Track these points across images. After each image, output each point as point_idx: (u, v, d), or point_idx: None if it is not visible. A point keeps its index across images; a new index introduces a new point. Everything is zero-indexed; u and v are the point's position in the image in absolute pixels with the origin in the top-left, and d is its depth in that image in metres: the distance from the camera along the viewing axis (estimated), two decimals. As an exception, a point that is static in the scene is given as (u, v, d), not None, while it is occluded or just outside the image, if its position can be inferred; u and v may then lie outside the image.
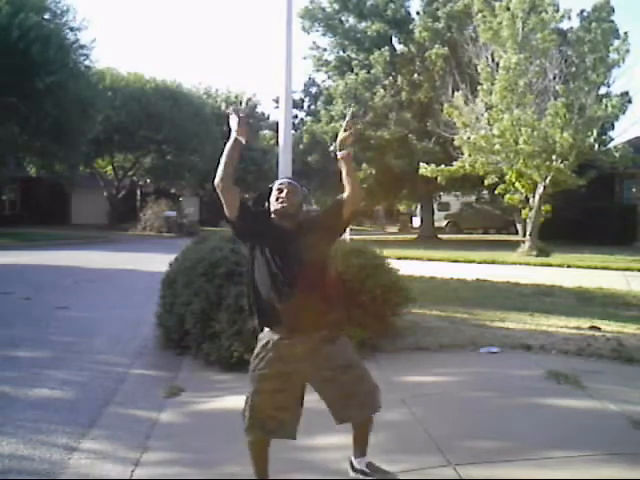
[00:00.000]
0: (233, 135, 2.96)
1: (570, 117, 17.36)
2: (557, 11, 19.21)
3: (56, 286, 10.98)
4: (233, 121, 2.96)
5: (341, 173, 3.11)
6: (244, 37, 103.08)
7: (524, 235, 20.66)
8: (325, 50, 31.01)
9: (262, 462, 3.03)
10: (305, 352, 2.92)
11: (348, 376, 2.95)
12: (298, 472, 3.38)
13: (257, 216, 3.07)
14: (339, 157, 3.05)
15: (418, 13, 28.04)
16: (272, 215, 3.05)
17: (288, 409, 2.95)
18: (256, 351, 3.00)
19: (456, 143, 19.74)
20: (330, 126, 26.52)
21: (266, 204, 3.07)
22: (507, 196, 19.69)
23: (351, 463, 3.14)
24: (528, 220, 19.48)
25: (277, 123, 8.58)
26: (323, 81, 31.96)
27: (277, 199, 3.02)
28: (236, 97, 43.20)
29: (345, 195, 3.08)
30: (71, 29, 24.80)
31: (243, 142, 2.96)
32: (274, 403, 2.91)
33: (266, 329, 2.99)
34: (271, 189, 3.08)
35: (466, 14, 23.43)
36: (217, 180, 2.95)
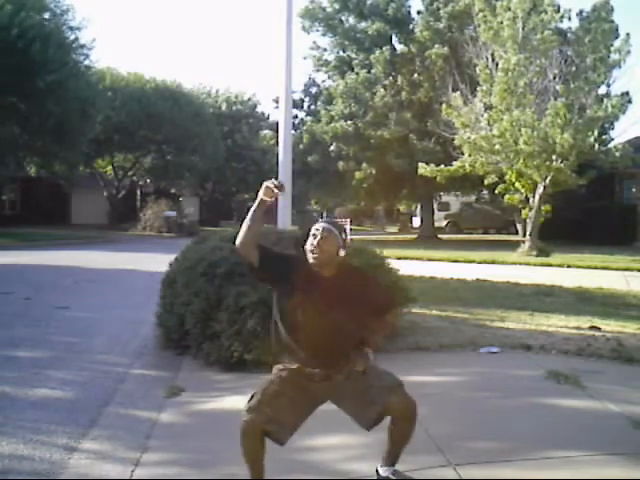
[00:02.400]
0: (259, 196, 2.91)
1: (570, 117, 17.36)
2: (557, 11, 19.22)
3: (56, 286, 10.98)
4: (264, 188, 2.90)
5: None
6: (244, 37, 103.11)
7: (524, 235, 20.66)
8: (325, 50, 31.05)
9: (254, 457, 2.94)
10: (322, 377, 2.97)
11: (357, 381, 2.95)
12: (298, 472, 3.37)
13: (284, 261, 3.02)
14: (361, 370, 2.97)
15: (419, 12, 28.05)
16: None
17: (293, 409, 2.91)
18: (277, 366, 3.02)
19: (456, 143, 19.75)
20: (330, 126, 26.53)
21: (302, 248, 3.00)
22: (507, 196, 19.70)
23: (377, 471, 3.12)
24: (528, 220, 19.48)
25: (277, 123, 8.58)
26: (323, 81, 32.02)
27: (310, 246, 2.94)
28: (236, 97, 43.23)
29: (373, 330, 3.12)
30: (71, 28, 24.83)
31: (269, 201, 2.91)
32: (285, 395, 2.89)
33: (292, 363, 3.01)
34: (309, 232, 2.99)
35: (467, 14, 23.43)
36: (238, 243, 2.90)
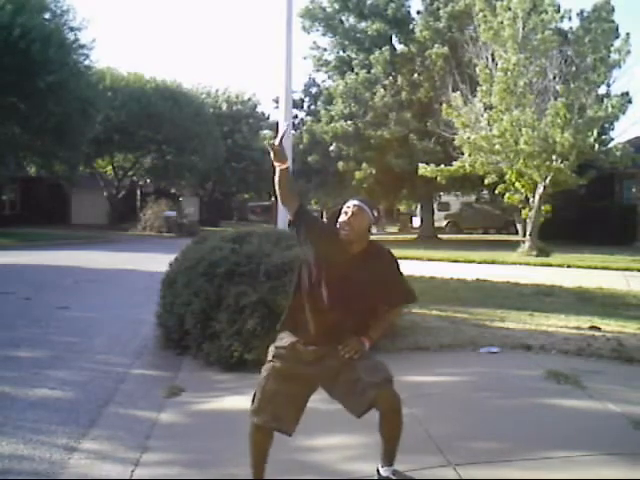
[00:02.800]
0: (275, 166, 3.04)
1: (570, 117, 17.35)
2: (557, 11, 19.22)
3: (56, 286, 10.98)
4: (272, 154, 3.03)
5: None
6: (244, 37, 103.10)
7: (524, 235, 20.65)
8: (325, 50, 31.03)
9: (260, 455, 3.00)
10: (317, 357, 2.98)
11: (349, 371, 2.97)
12: (298, 472, 3.37)
13: (320, 228, 3.07)
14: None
15: (418, 12, 28.04)
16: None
17: (293, 401, 2.97)
18: (273, 346, 3.06)
19: (456, 143, 19.75)
20: (330, 126, 26.53)
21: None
22: (507, 196, 19.68)
23: (378, 471, 3.13)
24: (528, 220, 19.48)
25: (277, 123, 8.58)
26: (323, 81, 32.00)
27: (341, 223, 2.99)
28: (237, 97, 43.24)
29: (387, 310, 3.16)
30: (71, 29, 24.84)
31: (284, 167, 3.02)
32: (282, 391, 2.94)
33: (287, 332, 3.05)
34: (341, 208, 3.05)
35: (467, 14, 23.43)
36: (280, 199, 3.08)
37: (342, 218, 2.99)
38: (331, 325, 2.96)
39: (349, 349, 2.94)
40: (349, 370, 2.95)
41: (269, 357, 3.05)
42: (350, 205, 3.01)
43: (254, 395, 2.98)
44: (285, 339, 3.05)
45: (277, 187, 3.06)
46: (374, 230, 3.11)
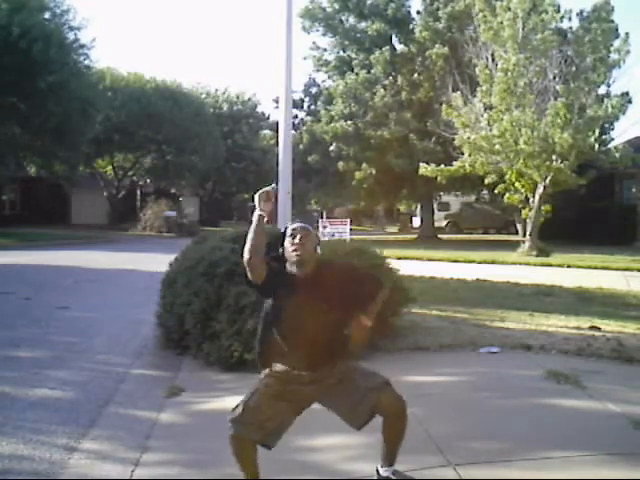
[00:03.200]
0: (257, 212, 2.91)
1: (570, 117, 17.35)
2: (557, 11, 19.21)
3: (56, 286, 10.98)
4: (258, 199, 2.92)
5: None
6: (244, 37, 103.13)
7: (524, 235, 20.65)
8: (325, 50, 31.04)
9: (248, 463, 2.98)
10: (312, 379, 2.97)
11: (346, 383, 2.97)
12: (298, 472, 3.37)
13: (276, 271, 2.99)
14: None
15: (418, 12, 28.04)
16: (286, 262, 3.00)
17: (279, 418, 2.93)
18: (268, 370, 3.03)
19: (456, 143, 19.75)
20: (330, 126, 26.53)
21: (280, 249, 3.01)
22: (507, 196, 19.68)
23: (377, 471, 3.13)
24: (528, 220, 19.48)
25: (277, 123, 8.58)
26: (323, 81, 32.01)
27: (291, 246, 2.95)
28: (237, 97, 43.23)
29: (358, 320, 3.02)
30: (71, 28, 24.82)
31: (266, 213, 2.91)
32: (268, 408, 2.90)
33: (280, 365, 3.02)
34: (284, 233, 3.01)
35: (466, 14, 23.44)
36: (246, 256, 2.87)
37: (290, 241, 2.96)
38: (313, 347, 2.92)
39: (357, 336, 2.92)
40: (346, 382, 2.96)
41: (262, 375, 3.02)
42: (295, 228, 2.98)
43: (237, 405, 2.93)
44: (278, 367, 3.01)
45: (252, 239, 2.86)
46: (374, 230, 3.10)
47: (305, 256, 2.93)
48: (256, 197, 2.91)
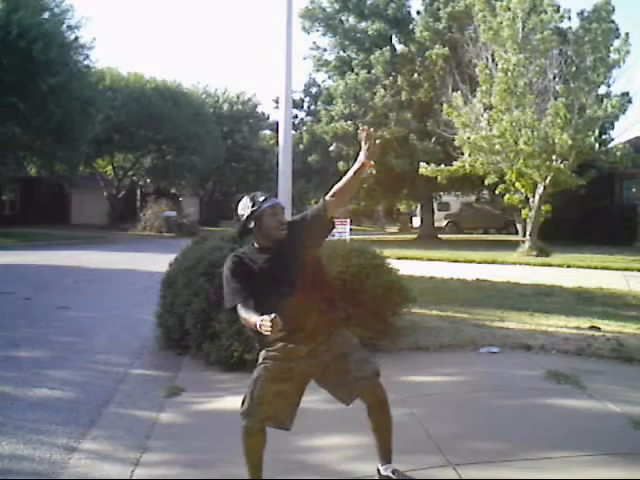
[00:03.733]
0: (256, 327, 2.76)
1: (570, 117, 17.35)
2: (557, 11, 19.20)
3: (56, 286, 10.98)
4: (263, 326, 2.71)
5: (347, 171, 3.09)
6: (244, 37, 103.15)
7: (524, 235, 20.64)
8: (325, 50, 31.05)
9: (255, 458, 3.01)
10: (306, 352, 2.99)
11: (339, 363, 3.00)
12: (298, 472, 3.37)
13: (243, 269, 3.01)
14: (365, 162, 2.97)
15: (418, 13, 28.04)
16: (259, 240, 3.04)
17: (286, 399, 2.97)
18: (264, 351, 3.05)
19: (456, 143, 19.74)
20: (330, 126, 26.53)
21: (251, 225, 3.03)
22: (507, 196, 19.67)
23: (378, 470, 3.14)
24: (528, 220, 19.47)
25: (277, 123, 8.57)
26: (323, 81, 32.03)
27: (277, 223, 3.00)
28: (237, 97, 43.24)
29: (334, 193, 3.04)
30: (70, 28, 24.83)
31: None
32: (274, 391, 2.94)
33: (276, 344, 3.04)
34: (255, 210, 2.99)
35: (467, 14, 23.44)
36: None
37: (274, 219, 3.00)
38: (301, 311, 2.93)
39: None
40: (340, 361, 3.00)
41: (259, 360, 3.05)
42: (276, 205, 3.04)
43: (244, 398, 2.97)
44: (274, 344, 3.04)
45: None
46: (373, 230, 3.11)
47: (286, 231, 3.02)
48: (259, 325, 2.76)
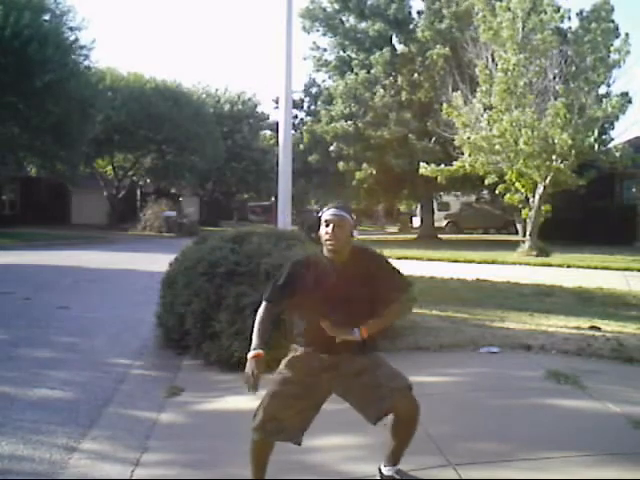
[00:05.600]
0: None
1: (570, 117, 17.34)
2: (557, 11, 19.19)
3: (56, 286, 10.98)
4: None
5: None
6: (245, 37, 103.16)
7: (524, 235, 20.64)
8: (325, 50, 31.05)
9: (261, 464, 3.00)
10: (330, 364, 2.96)
11: (367, 377, 2.94)
12: (298, 472, 3.37)
13: (294, 280, 2.99)
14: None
15: (419, 13, 28.03)
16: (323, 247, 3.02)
17: (301, 415, 2.93)
18: (286, 359, 3.03)
19: (456, 143, 19.74)
20: (330, 126, 26.53)
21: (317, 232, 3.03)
22: (507, 196, 19.67)
23: (379, 470, 3.12)
24: (528, 220, 19.47)
25: (277, 123, 8.57)
26: (323, 81, 32.04)
27: (325, 235, 2.96)
28: (238, 97, 43.22)
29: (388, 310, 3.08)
30: (71, 29, 24.82)
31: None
32: (289, 407, 2.90)
33: (298, 345, 3.04)
34: (320, 218, 3.01)
35: (467, 14, 23.43)
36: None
37: (324, 230, 2.96)
38: (337, 324, 2.92)
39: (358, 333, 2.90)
40: (368, 376, 2.93)
41: (280, 368, 3.01)
42: (330, 216, 2.96)
43: (256, 411, 2.93)
44: (299, 350, 3.02)
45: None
46: (374, 230, 3.10)
47: (337, 246, 2.95)
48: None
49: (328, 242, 2.95)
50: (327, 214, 2.98)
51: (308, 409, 2.96)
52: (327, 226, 2.95)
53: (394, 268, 3.17)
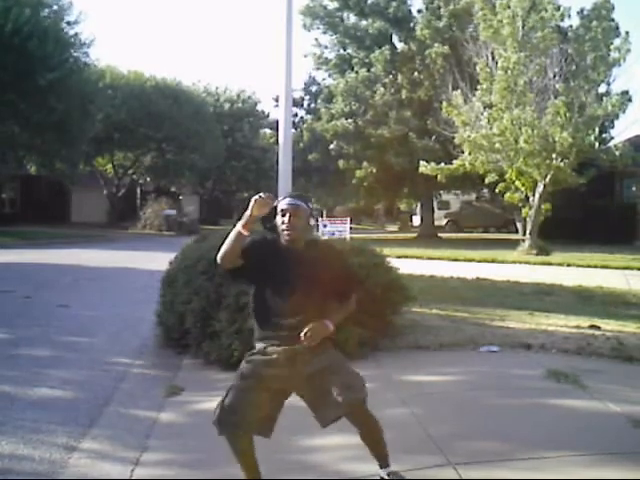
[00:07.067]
0: (250, 211, 2.86)
1: (570, 116, 17.34)
2: (557, 9, 19.17)
3: (56, 284, 10.98)
4: (254, 203, 2.85)
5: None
6: (245, 35, 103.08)
7: (524, 234, 20.63)
8: (326, 48, 31.07)
9: (248, 463, 2.98)
10: (286, 359, 2.92)
11: (322, 380, 2.91)
12: (298, 472, 3.37)
13: (258, 250, 2.98)
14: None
15: (419, 11, 28.01)
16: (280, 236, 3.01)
17: (260, 409, 2.91)
18: (246, 356, 3.04)
19: (456, 141, 19.72)
20: (330, 124, 26.52)
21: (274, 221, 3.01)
22: (507, 194, 19.67)
23: (381, 479, 3.11)
24: (528, 219, 19.47)
25: (277, 121, 8.56)
26: (323, 79, 32.03)
27: (282, 225, 2.96)
28: (238, 96, 43.18)
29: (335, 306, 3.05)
30: (68, 23, 24.77)
31: (246, 233, 2.88)
32: (245, 401, 2.88)
33: (258, 341, 3.02)
34: (276, 207, 3.00)
35: (467, 12, 23.41)
36: (219, 261, 2.94)
37: (281, 220, 2.96)
38: (291, 321, 2.90)
39: (311, 333, 2.82)
40: (323, 379, 2.90)
41: (241, 363, 3.02)
42: (286, 205, 2.96)
43: (215, 407, 2.92)
44: (257, 346, 3.02)
45: (226, 245, 2.89)
46: (373, 229, 3.09)
47: (294, 235, 2.96)
48: (252, 200, 2.88)
49: (285, 231, 2.95)
50: (283, 203, 2.99)
51: (267, 402, 2.93)
52: (283, 215, 2.95)
53: (347, 272, 3.14)
